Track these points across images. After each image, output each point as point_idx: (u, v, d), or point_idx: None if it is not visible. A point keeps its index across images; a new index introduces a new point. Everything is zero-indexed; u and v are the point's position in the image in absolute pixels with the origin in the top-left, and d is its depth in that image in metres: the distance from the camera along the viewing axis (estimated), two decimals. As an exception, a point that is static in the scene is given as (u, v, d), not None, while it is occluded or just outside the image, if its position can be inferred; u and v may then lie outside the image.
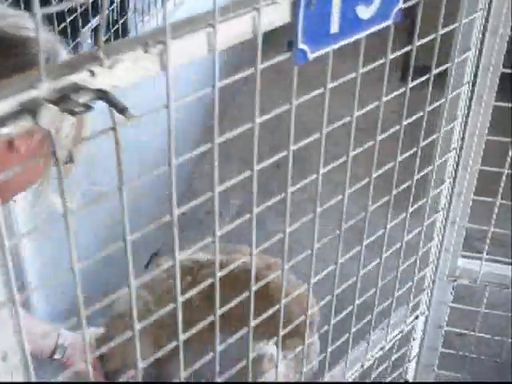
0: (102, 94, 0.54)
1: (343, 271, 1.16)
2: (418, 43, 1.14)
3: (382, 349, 1.48)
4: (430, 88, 1.23)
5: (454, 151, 1.43)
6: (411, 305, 1.54)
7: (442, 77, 1.36)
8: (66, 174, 0.59)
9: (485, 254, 1.63)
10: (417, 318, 1.65)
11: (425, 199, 1.36)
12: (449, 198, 1.53)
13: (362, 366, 1.42)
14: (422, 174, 1.31)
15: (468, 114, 1.43)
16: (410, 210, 1.27)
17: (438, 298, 1.70)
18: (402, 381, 1.74)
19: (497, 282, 1.69)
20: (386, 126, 1.36)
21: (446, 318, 1.74)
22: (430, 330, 1.76)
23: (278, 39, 1.31)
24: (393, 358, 1.55)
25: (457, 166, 1.50)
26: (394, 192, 1.26)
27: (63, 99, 0.51)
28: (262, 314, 0.97)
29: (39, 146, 0.98)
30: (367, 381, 1.45)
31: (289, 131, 0.98)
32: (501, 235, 1.64)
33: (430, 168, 1.33)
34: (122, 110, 0.54)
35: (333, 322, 1.17)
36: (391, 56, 1.08)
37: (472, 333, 1.81)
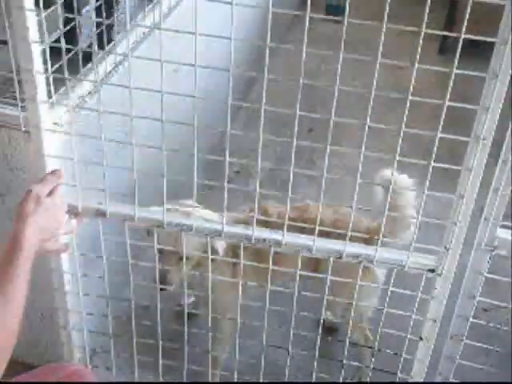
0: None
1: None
2: None
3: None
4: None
5: (486, 111, 1.36)
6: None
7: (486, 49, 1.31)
8: None
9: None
10: (432, 271, 1.64)
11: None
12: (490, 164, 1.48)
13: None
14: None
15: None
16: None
17: (474, 267, 1.66)
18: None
19: (536, 255, 1.63)
20: (424, 97, 1.33)
21: (480, 289, 1.69)
22: (462, 299, 1.72)
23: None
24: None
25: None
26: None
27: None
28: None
29: None
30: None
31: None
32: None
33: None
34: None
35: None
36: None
37: (504, 304, 1.76)
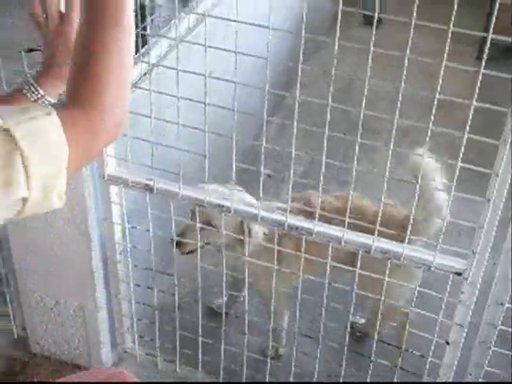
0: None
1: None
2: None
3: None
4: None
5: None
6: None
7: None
8: None
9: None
10: (459, 274, 1.66)
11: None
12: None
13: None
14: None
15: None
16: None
17: (502, 273, 1.66)
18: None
19: None
20: (458, 102, 1.36)
21: (510, 293, 1.69)
22: (491, 305, 1.72)
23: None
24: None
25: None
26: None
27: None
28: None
29: None
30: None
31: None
32: None
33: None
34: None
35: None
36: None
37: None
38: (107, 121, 0.94)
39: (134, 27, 0.98)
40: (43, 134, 0.85)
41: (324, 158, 1.58)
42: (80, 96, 0.93)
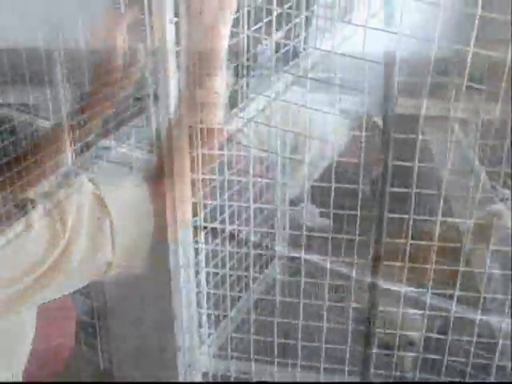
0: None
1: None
2: None
3: None
4: None
5: None
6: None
7: None
8: None
9: None
10: None
11: None
12: None
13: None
14: None
15: None
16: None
17: None
18: None
19: None
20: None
21: None
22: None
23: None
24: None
25: None
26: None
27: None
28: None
29: None
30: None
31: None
32: None
33: None
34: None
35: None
36: None
37: None
38: (194, 192, 0.99)
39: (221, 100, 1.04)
40: (133, 204, 0.90)
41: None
42: (168, 169, 0.97)
